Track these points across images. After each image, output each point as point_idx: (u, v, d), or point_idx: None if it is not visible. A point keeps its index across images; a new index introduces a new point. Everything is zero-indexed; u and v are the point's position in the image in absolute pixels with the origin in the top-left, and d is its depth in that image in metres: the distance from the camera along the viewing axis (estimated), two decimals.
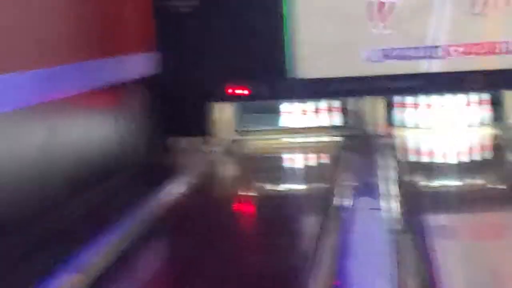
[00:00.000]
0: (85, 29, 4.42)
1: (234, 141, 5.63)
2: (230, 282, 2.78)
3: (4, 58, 3.25)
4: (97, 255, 2.87)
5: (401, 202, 3.69)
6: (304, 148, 5.65)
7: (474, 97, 5.42)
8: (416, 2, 5.19)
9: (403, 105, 5.50)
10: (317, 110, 5.58)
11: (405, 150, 5.25)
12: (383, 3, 5.16)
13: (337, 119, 5.56)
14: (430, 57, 5.18)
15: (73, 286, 2.66)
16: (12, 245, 3.16)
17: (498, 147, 5.24)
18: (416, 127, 5.50)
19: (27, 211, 3.37)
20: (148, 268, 3.16)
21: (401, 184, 4.06)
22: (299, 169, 5.40)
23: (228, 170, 5.44)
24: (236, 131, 5.66)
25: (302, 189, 4.88)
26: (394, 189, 3.92)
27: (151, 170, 5.08)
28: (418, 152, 5.41)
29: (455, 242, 3.36)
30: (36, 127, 3.64)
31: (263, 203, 4.44)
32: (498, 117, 5.50)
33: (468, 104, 5.50)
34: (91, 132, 4.38)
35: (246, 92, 5.31)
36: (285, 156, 5.69)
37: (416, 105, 5.45)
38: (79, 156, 4.10)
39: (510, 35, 5.15)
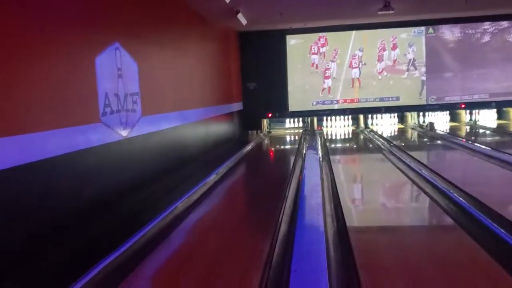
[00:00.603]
0: (220, 93, 8.88)
1: (268, 132, 11.37)
2: (271, 173, 7.15)
3: (194, 104, 7.14)
4: (224, 169, 6.50)
5: (322, 151, 7.86)
6: (292, 133, 11.17)
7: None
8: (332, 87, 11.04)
9: (325, 119, 11.51)
10: (295, 121, 11.61)
11: (324, 134, 10.49)
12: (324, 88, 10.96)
13: (301, 124, 11.40)
14: (333, 103, 11.10)
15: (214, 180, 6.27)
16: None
17: (355, 133, 10.94)
18: (328, 127, 11.51)
19: (205, 150, 7.68)
20: (240, 171, 7.20)
21: (322, 146, 8.65)
22: (289, 140, 10.82)
23: (266, 141, 10.55)
24: (269, 128, 11.61)
25: (291, 147, 10.19)
26: (320, 148, 8.29)
27: (241, 141, 9.84)
28: (329, 135, 10.69)
29: (340, 164, 7.45)
30: (202, 127, 7.71)
31: (277, 150, 9.79)
32: (358, 124, 11.70)
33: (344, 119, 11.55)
34: (222, 129, 9.15)
35: (271, 115, 11.03)
36: (285, 136, 11.21)
37: (329, 119, 11.06)
38: (218, 137, 8.70)
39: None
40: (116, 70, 4.23)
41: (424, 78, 11.28)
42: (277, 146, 10.42)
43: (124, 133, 4.38)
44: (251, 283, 2.81)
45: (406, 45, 11.25)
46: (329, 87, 11.24)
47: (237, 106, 10.37)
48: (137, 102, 4.68)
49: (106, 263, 2.91)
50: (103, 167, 4.05)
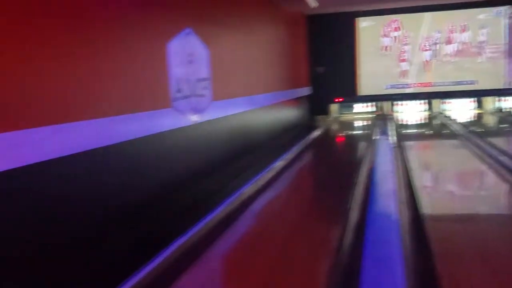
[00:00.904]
0: (288, 77, 8.91)
1: (337, 117, 11.18)
2: (337, 160, 7.17)
3: (262, 89, 7.12)
4: (291, 154, 6.58)
5: (396, 137, 7.60)
6: (362, 118, 10.96)
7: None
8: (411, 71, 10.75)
9: (396, 104, 11.13)
10: (366, 106, 11.28)
11: (397, 119, 10.22)
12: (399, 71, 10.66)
13: (373, 108, 11.11)
14: (406, 87, 10.76)
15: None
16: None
17: (429, 118, 10.51)
18: (401, 112, 11.10)
19: (273, 135, 8.03)
20: (308, 157, 7.26)
21: (395, 131, 8.36)
22: (360, 125, 10.67)
23: (334, 126, 10.41)
24: (338, 113, 11.36)
25: (361, 132, 10.10)
26: (392, 133, 8.08)
27: (308, 126, 9.75)
28: (401, 120, 10.37)
29: (414, 150, 7.15)
30: (270, 112, 7.68)
31: (346, 136, 9.64)
32: (432, 108, 11.21)
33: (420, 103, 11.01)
34: (290, 114, 9.16)
35: (341, 100, 10.80)
36: (354, 122, 10.98)
37: (401, 104, 10.68)
38: (285, 122, 8.72)
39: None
40: (187, 55, 4.31)
41: (504, 61, 10.76)
42: (347, 132, 10.23)
43: (194, 118, 4.47)
44: (322, 269, 2.81)
45: (478, 27, 10.75)
46: (405, 71, 10.95)
47: (305, 91, 10.28)
48: (207, 87, 4.75)
49: (178, 245, 3.00)
50: (173, 152, 4.14)
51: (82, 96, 2.94)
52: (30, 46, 2.53)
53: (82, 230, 2.87)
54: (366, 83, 10.98)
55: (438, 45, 10.92)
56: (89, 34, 3.03)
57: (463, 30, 10.81)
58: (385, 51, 11.02)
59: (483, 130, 9.02)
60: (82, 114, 2.91)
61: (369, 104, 11.46)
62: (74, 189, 2.84)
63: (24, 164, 2.40)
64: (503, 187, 4.79)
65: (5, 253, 2.30)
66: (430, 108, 11.37)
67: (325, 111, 11.15)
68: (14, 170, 2.33)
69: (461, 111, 11.30)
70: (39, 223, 2.52)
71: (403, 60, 10.92)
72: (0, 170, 2.25)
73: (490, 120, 10.37)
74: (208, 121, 4.84)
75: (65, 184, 2.77)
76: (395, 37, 11.01)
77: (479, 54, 10.82)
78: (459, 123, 9.32)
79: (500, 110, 10.78)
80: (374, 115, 11.04)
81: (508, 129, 9.21)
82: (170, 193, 4.00)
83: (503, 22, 10.69)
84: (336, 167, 6.15)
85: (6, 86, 2.34)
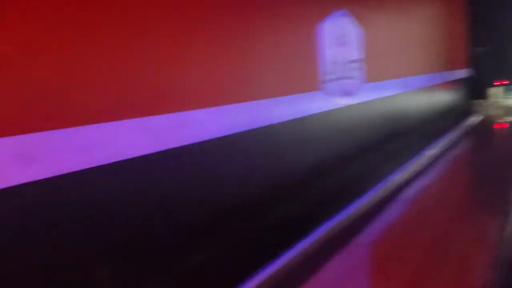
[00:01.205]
0: (444, 58, 8.29)
1: (498, 101, 10.34)
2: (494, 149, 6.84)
3: (415, 70, 6.59)
4: (446, 141, 6.83)
5: None
6: None
7: None
8: None
9: None
10: None
11: None
12: None
13: None
14: None
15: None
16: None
17: None
18: None
19: (425, 120, 7.29)
20: (465, 144, 7.03)
21: None
22: None
23: (495, 112, 9.79)
24: (501, 98, 10.47)
25: None
26: None
27: (465, 111, 9.22)
28: None
29: None
30: (422, 96, 7.34)
31: (508, 123, 8.92)
32: None
33: None
34: (445, 97, 8.63)
35: (506, 82, 9.96)
36: None
37: None
38: (441, 106, 8.18)
39: None
40: (340, 37, 4.30)
41: None
42: (509, 118, 9.44)
43: (343, 101, 4.45)
44: (480, 262, 2.68)
45: None
46: None
47: (462, 73, 9.66)
48: (358, 69, 4.70)
49: (324, 231, 3.10)
50: (321, 134, 4.16)
51: (237, 80, 3.06)
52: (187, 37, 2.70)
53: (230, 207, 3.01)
54: None
55: None
56: (242, 17, 3.13)
57: None
58: None
59: None
60: (236, 97, 3.05)
61: None
62: (227, 167, 2.99)
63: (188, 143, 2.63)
64: None
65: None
66: None
67: (484, 95, 10.39)
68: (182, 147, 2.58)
69: None
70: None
71: None
72: (173, 147, 2.49)
73: None
74: (358, 104, 4.78)
75: (219, 163, 2.92)
76: None
77: None
78: None
79: None
80: None
81: None
82: (317, 177, 4.00)
83: None
84: (496, 156, 5.80)
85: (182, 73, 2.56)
